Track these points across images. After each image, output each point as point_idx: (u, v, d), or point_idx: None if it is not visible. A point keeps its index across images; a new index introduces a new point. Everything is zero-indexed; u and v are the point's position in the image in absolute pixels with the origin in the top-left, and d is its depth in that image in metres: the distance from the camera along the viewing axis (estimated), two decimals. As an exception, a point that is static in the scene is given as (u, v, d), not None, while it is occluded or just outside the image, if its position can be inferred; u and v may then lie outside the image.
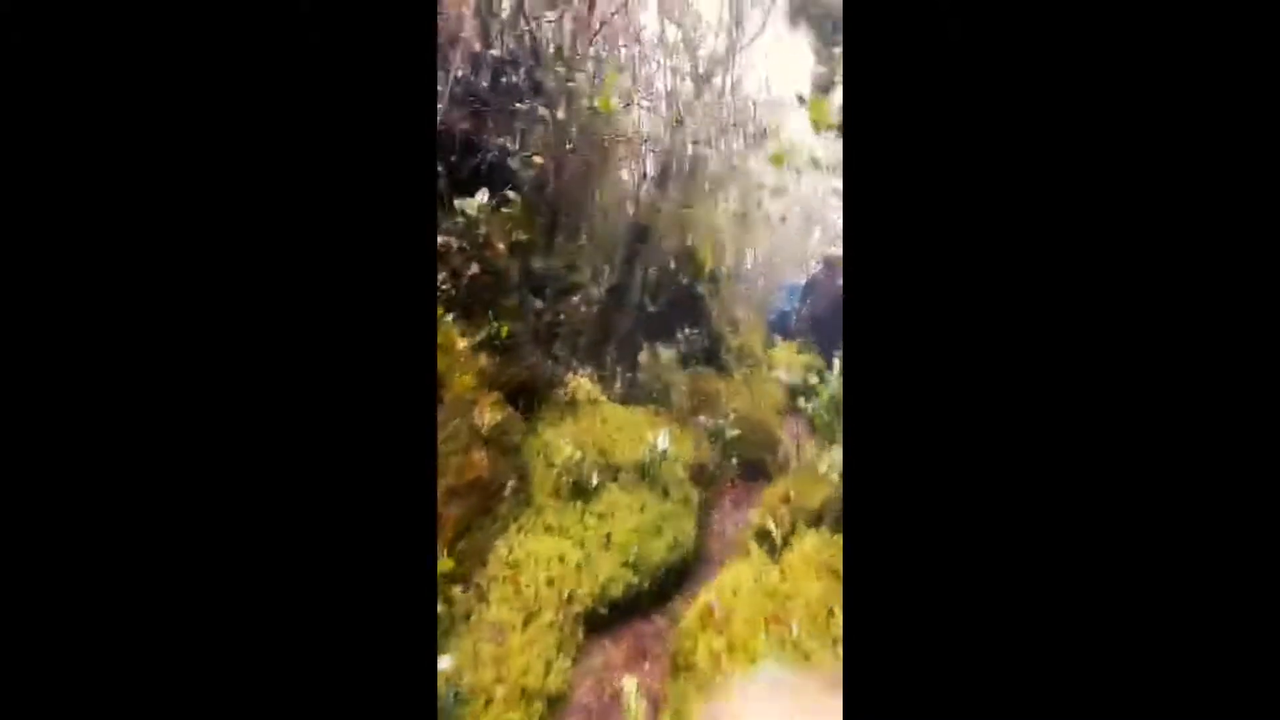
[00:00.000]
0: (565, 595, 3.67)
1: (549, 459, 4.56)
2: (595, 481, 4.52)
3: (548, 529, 4.06)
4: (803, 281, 13.71)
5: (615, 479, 4.76)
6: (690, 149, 7.06)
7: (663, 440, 4.72)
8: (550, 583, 3.67)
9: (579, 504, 4.39)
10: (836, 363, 10.66)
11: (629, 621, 4.17)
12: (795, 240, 15.22)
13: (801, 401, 9.08)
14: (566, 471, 4.47)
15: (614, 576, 4.06)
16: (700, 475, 5.62)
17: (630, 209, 6.63)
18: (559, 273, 5.55)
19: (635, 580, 4.18)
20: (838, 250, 16.28)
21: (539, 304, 5.28)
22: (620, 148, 6.14)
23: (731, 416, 6.78)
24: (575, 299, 5.71)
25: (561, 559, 3.84)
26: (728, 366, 8.60)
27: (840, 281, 13.55)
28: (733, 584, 3.75)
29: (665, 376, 6.22)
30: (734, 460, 6.48)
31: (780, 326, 12.83)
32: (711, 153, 6.92)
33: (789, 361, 10.61)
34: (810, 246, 16.26)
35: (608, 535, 4.25)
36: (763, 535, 4.30)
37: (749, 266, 13.72)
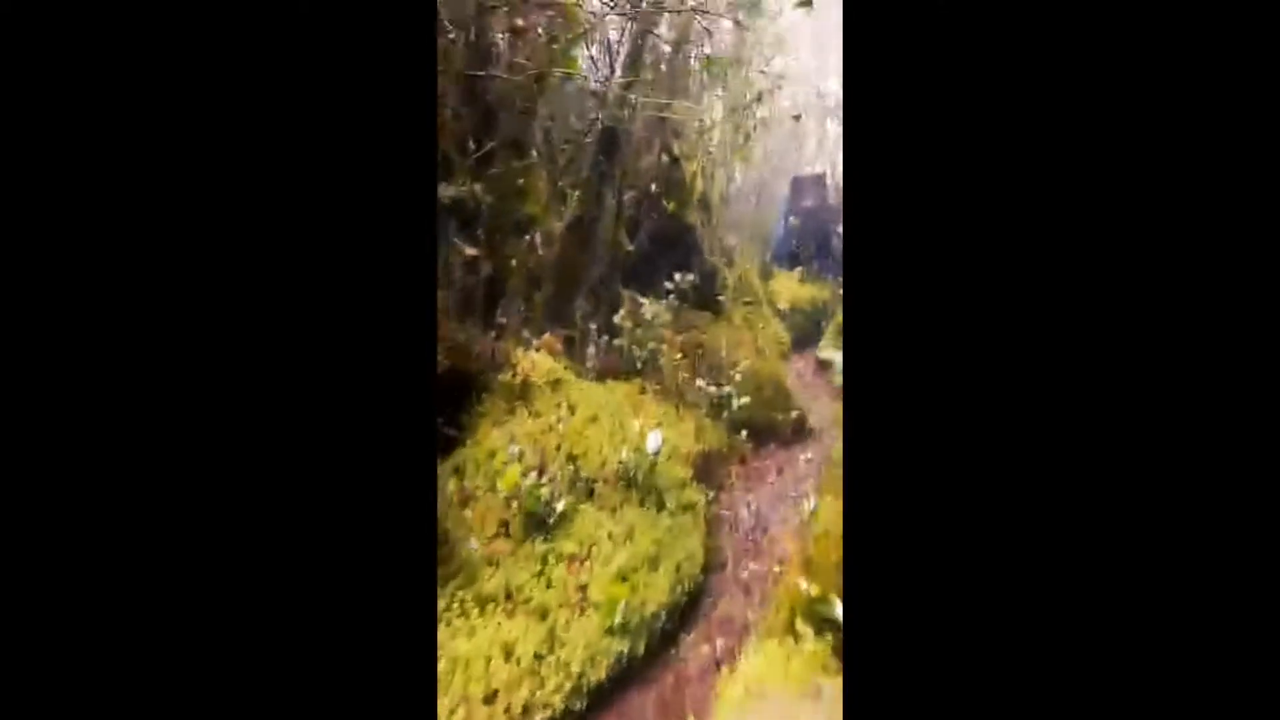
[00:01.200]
0: (517, 710, 2.37)
1: (491, 481, 3.15)
2: (561, 506, 3.15)
3: (486, 606, 2.69)
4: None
5: (591, 495, 3.40)
6: (667, 27, 5.25)
7: (654, 439, 3.33)
8: (490, 698, 2.36)
9: (538, 544, 3.04)
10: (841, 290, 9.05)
11: (620, 695, 2.94)
12: (789, 144, 13.36)
13: (823, 354, 7.69)
14: (518, 497, 3.09)
15: (596, 652, 2.77)
16: (707, 468, 4.31)
17: (592, 110, 4.89)
18: (498, 203, 3.92)
19: (626, 647, 2.91)
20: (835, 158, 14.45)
21: (469, 250, 3.69)
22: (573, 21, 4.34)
23: (738, 377, 5.39)
24: (523, 240, 4.12)
25: (509, 654, 2.51)
26: (725, 309, 7.13)
27: (829, 193, 11.84)
28: (761, 673, 2.48)
29: (651, 336, 4.76)
30: (744, 434, 5.16)
31: (780, 252, 11.26)
32: (697, 27, 5.15)
33: (792, 295, 9.14)
34: (808, 151, 14.31)
35: (583, 590, 2.94)
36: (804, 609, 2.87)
37: (739, 182, 11.95)
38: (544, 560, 3.00)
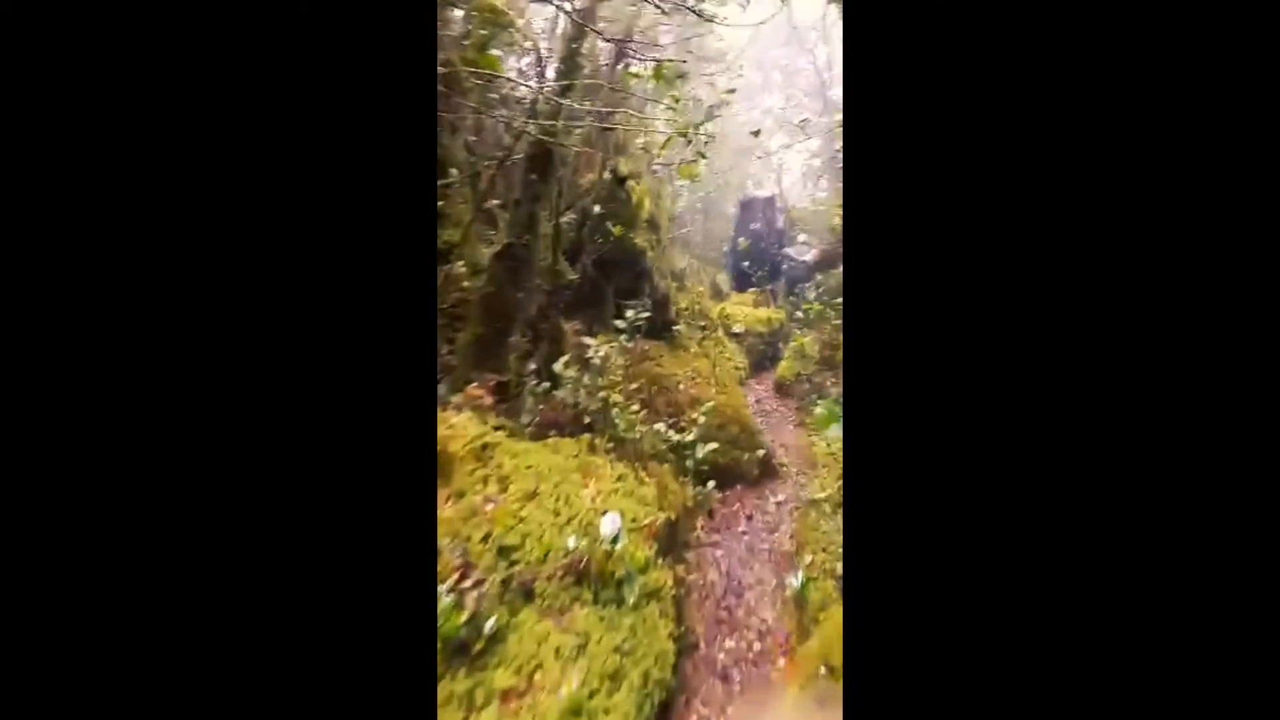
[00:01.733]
0: None
1: (395, 597, 2.38)
2: (490, 624, 2.40)
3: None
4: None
5: (530, 598, 2.66)
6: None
7: (610, 523, 2.63)
8: None
9: (460, 679, 2.28)
10: (800, 313, 8.68)
11: None
12: (736, 162, 13.10)
13: (802, 386, 7.16)
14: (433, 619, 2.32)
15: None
16: (672, 536, 3.65)
17: (521, 121, 4.24)
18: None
19: (582, 812, 2.17)
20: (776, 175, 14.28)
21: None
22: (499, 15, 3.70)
23: (701, 418, 4.77)
24: (440, 271, 3.39)
25: None
26: (679, 338, 6.54)
27: (777, 215, 11.58)
28: None
29: (601, 381, 4.07)
30: (710, 485, 4.52)
31: (732, 271, 10.84)
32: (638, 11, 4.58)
33: (746, 318, 8.67)
34: (754, 170, 14.12)
35: (521, 744, 2.18)
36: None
37: (686, 201, 11.55)
38: (468, 701, 2.24)
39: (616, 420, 3.85)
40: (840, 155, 12.76)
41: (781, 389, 7.71)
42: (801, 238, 12.18)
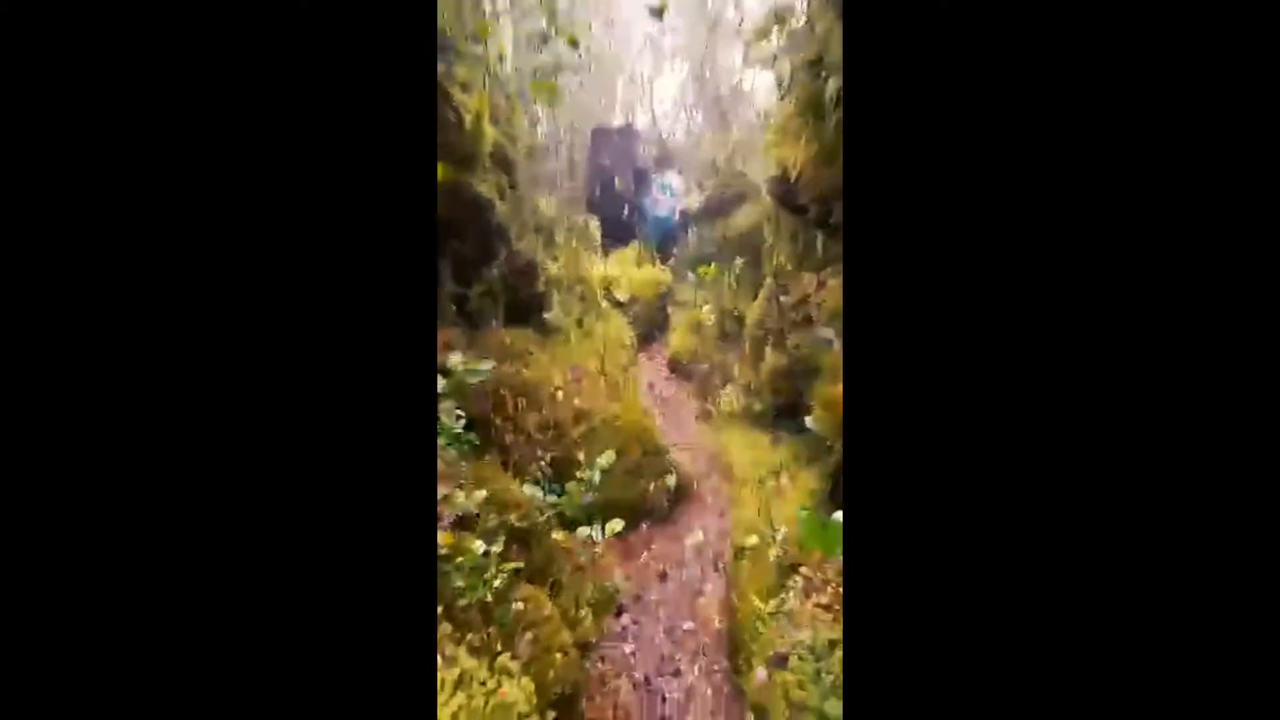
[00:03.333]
0: None
1: None
2: None
3: None
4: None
5: None
6: None
7: None
8: None
9: None
10: (691, 275, 7.40)
11: None
12: (601, 88, 11.20)
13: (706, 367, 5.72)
14: None
15: None
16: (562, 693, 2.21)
17: None
18: None
19: None
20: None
21: None
22: None
23: (598, 468, 3.30)
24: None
25: None
26: (555, 324, 4.91)
27: (639, 148, 9.99)
28: None
29: (445, 404, 2.44)
30: (595, 533, 3.13)
31: (614, 222, 9.20)
32: None
33: (631, 283, 7.18)
34: (626, 98, 12.16)
35: None
36: None
37: (546, 127, 9.54)
38: None
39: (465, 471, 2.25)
40: (713, 82, 11.35)
41: (677, 368, 6.43)
42: (675, 177, 10.83)
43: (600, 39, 10.38)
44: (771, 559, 3.21)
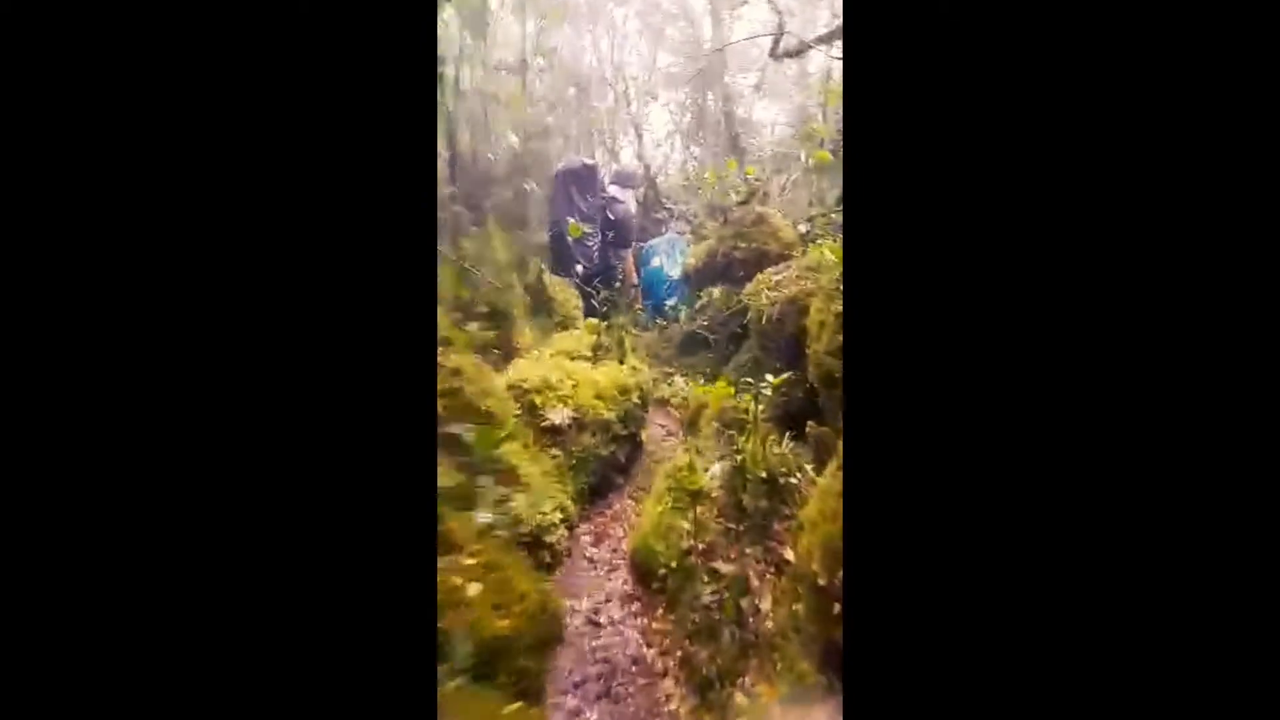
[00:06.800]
0: None
1: None
2: None
3: None
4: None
5: None
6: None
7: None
8: None
9: None
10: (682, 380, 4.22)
11: None
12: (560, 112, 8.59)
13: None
14: None
15: None
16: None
17: None
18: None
19: None
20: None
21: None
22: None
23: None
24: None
25: None
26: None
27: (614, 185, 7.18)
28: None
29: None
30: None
31: (566, 267, 6.32)
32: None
33: (578, 386, 4.21)
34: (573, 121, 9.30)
35: None
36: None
37: (494, 156, 6.84)
38: None
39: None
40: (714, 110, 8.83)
41: (643, 575, 3.26)
42: (668, 228, 8.15)
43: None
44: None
